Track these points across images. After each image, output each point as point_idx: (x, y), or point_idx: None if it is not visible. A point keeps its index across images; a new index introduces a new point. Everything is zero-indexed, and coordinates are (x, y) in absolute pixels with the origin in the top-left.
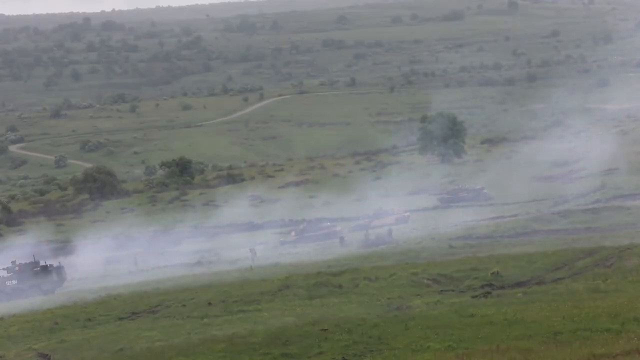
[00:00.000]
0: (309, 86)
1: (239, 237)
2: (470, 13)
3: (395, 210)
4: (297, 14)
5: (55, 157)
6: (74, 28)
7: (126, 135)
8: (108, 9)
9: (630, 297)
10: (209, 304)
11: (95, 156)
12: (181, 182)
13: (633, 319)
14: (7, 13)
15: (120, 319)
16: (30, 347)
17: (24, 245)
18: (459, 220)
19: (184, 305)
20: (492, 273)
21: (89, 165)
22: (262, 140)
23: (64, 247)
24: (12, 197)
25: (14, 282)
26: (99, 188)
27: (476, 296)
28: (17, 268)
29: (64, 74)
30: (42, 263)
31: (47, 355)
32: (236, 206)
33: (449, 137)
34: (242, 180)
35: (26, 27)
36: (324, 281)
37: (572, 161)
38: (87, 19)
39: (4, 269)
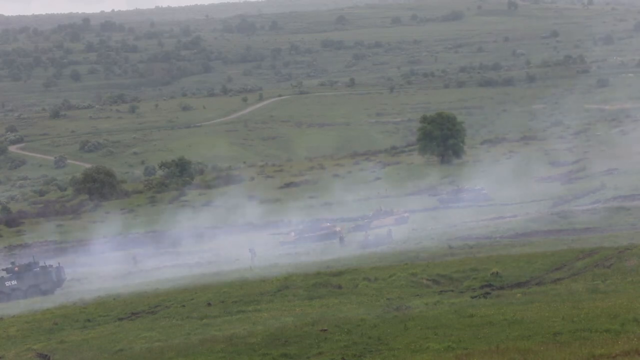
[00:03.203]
0: (309, 86)
1: (239, 238)
2: (470, 13)
3: (395, 211)
4: (296, 15)
5: (55, 157)
6: (74, 28)
7: (125, 136)
8: (107, 10)
9: (630, 298)
10: (209, 304)
11: (94, 156)
12: (181, 182)
13: (632, 319)
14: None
15: (120, 319)
16: (30, 347)
17: None
18: (459, 220)
19: (184, 306)
20: (492, 273)
21: (88, 165)
22: (262, 140)
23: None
24: (12, 198)
25: (14, 282)
26: (98, 188)
27: (475, 297)
28: (16, 269)
29: (63, 75)
30: (41, 264)
31: (46, 355)
32: (235, 206)
33: (448, 137)
34: (242, 180)
35: (26, 28)
36: (324, 282)
37: (571, 161)
38: (86, 19)
39: (3, 270)
